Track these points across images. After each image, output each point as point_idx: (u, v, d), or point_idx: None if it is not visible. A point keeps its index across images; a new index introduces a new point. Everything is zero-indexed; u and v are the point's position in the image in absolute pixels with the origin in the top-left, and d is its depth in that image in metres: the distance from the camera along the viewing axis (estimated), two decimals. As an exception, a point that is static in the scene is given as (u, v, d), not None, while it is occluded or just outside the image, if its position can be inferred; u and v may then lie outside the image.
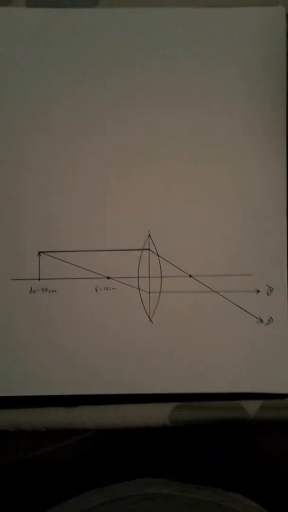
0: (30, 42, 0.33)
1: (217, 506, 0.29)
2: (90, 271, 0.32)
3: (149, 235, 0.33)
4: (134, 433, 0.34)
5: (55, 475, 0.35)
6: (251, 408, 0.32)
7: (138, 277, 0.33)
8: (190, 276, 0.33)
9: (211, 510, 0.29)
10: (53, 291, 0.32)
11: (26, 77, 0.33)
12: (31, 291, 0.32)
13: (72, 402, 0.32)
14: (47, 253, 0.33)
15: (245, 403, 0.32)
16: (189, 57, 0.33)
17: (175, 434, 0.34)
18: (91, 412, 0.32)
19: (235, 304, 0.32)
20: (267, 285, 0.32)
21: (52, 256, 0.33)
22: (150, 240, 0.33)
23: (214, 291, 0.32)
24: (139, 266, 0.33)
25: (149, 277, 0.33)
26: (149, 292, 0.32)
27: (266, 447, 0.33)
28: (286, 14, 0.33)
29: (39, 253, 0.33)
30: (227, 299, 0.32)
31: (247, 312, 0.32)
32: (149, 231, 0.33)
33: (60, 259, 0.33)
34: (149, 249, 0.33)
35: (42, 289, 0.32)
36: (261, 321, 0.32)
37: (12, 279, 0.32)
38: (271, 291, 0.32)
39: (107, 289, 0.32)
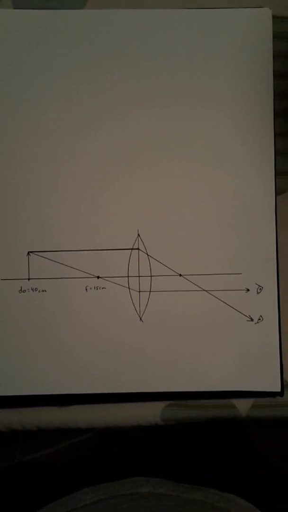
0: (17, 44, 0.33)
1: (210, 506, 0.28)
2: (80, 270, 0.32)
3: (139, 235, 0.33)
4: (127, 432, 0.33)
5: (49, 477, 0.35)
6: (243, 406, 0.32)
7: (128, 276, 0.32)
8: (180, 275, 0.32)
9: (205, 510, 0.28)
10: (43, 290, 0.32)
11: (14, 79, 0.33)
12: (21, 291, 0.32)
13: (64, 401, 0.32)
14: (36, 253, 0.33)
15: (236, 402, 0.32)
16: (178, 57, 0.33)
17: (167, 433, 0.34)
18: (83, 411, 0.32)
19: (225, 303, 0.32)
20: (256, 284, 0.32)
21: (42, 256, 0.32)
22: (140, 240, 0.33)
23: (204, 290, 0.32)
24: (129, 265, 0.33)
25: (139, 276, 0.33)
26: (139, 291, 0.32)
27: (258, 445, 0.33)
28: (272, 16, 0.33)
29: (28, 252, 0.32)
30: (217, 298, 0.32)
31: (237, 310, 0.32)
32: (138, 230, 0.33)
33: (50, 259, 0.32)
34: (138, 249, 0.33)
35: (32, 289, 0.32)
36: (251, 319, 0.32)
37: (2, 279, 0.32)
38: (260, 289, 0.32)
39: (97, 288, 0.32)
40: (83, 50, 0.33)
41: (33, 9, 0.33)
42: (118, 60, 0.33)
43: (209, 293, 0.32)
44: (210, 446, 0.33)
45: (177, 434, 0.33)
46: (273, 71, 0.33)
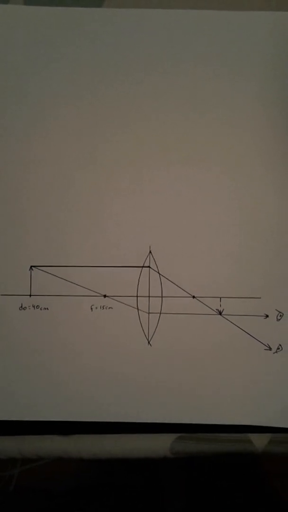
0: (27, 43, 0.31)
1: None
2: (85, 288, 0.30)
3: (150, 252, 0.30)
4: (134, 465, 0.31)
5: (47, 507, 0.32)
6: (260, 441, 0.30)
7: (137, 296, 0.30)
8: (193, 297, 0.30)
9: None
10: (45, 308, 0.30)
11: (23, 79, 0.31)
12: (22, 307, 0.30)
13: (66, 429, 0.30)
14: (39, 268, 0.30)
15: (253, 436, 0.30)
16: (196, 60, 0.31)
17: (177, 467, 0.31)
18: (87, 441, 0.30)
19: (242, 329, 0.30)
20: (276, 310, 0.30)
21: (45, 271, 0.30)
22: (151, 257, 0.30)
23: (218, 314, 0.30)
24: (138, 284, 0.30)
25: (149, 296, 0.30)
26: (149, 312, 0.30)
27: (275, 485, 0.31)
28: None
29: (31, 267, 0.30)
30: (233, 323, 0.30)
31: (254, 338, 0.30)
32: (150, 247, 0.30)
33: (53, 275, 0.30)
34: (149, 267, 0.30)
35: (33, 306, 0.30)
36: (270, 348, 0.30)
37: (1, 295, 0.30)
38: (281, 316, 0.30)
39: (103, 308, 0.30)
40: (99, 51, 0.31)
41: (46, 5, 0.31)
42: (135, 62, 0.31)
43: (224, 317, 0.30)
44: (222, 483, 0.30)
45: (187, 468, 0.31)
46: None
